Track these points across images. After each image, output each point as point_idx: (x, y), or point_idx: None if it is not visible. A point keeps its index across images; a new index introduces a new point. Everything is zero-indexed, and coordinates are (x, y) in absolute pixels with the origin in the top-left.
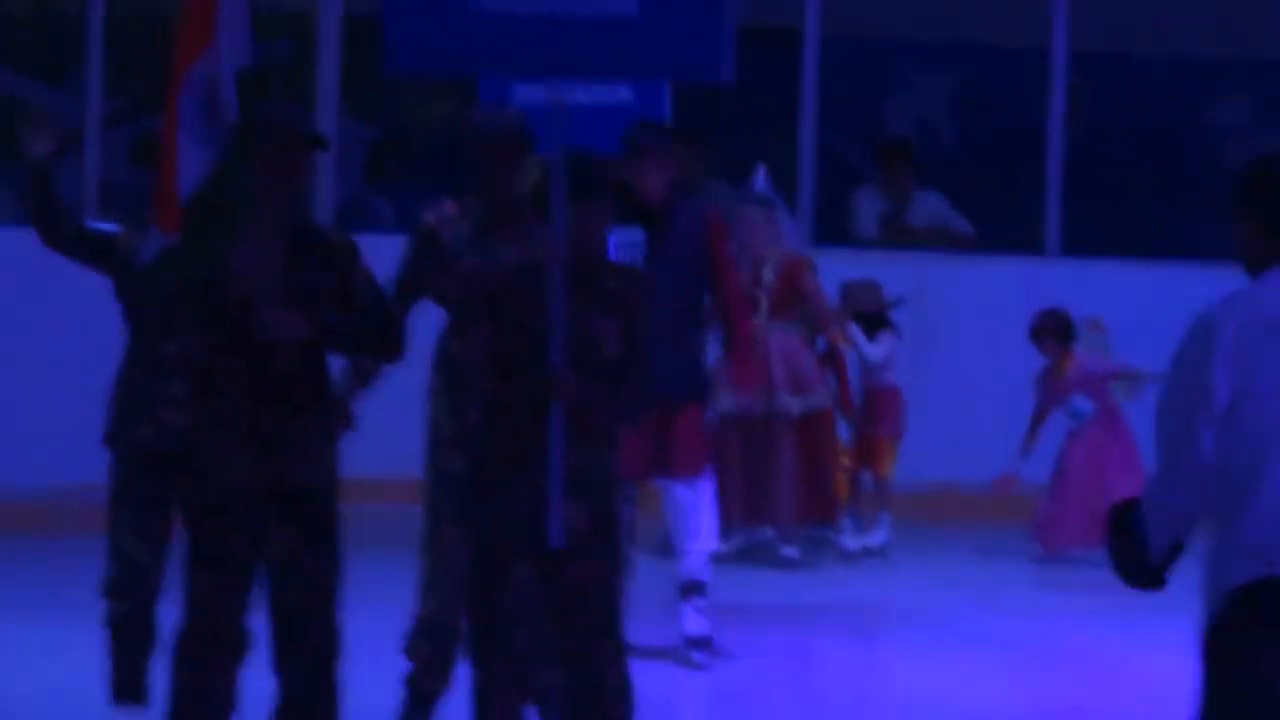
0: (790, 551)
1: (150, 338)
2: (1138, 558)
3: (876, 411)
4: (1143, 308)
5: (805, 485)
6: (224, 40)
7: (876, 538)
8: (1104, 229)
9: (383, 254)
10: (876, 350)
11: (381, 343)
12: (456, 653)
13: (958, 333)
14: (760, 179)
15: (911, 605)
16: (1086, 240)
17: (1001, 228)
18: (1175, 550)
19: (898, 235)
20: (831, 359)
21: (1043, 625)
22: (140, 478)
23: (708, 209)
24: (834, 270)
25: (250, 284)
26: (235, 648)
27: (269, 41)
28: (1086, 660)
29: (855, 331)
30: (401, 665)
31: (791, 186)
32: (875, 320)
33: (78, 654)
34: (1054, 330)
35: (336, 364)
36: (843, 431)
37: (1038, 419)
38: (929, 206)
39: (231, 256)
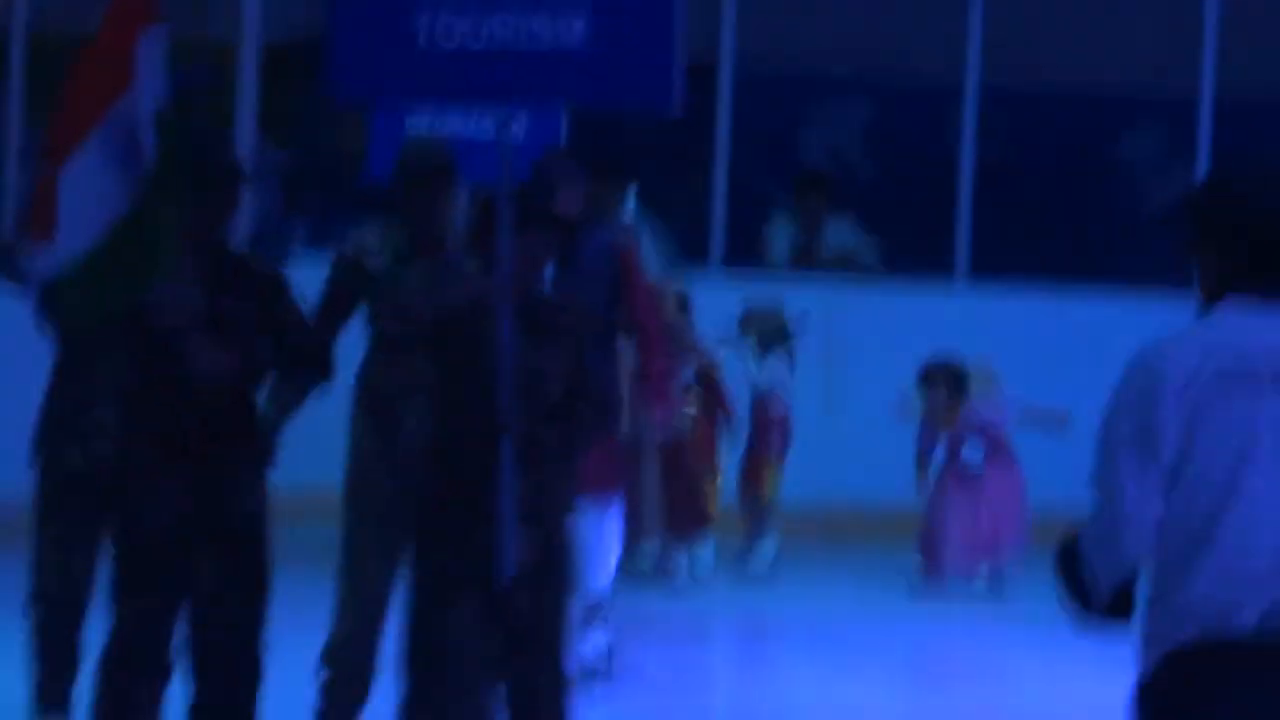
0: (677, 560)
1: (79, 362)
2: (1080, 598)
3: (761, 432)
4: (1050, 336)
5: (673, 502)
6: (143, 79)
7: (763, 555)
8: (1013, 259)
9: (299, 280)
10: (765, 374)
11: (309, 374)
12: (372, 672)
13: (866, 358)
14: (627, 207)
15: (801, 620)
16: (996, 269)
17: (913, 256)
18: (1125, 594)
19: (809, 264)
20: (704, 383)
21: (929, 637)
22: (68, 498)
23: (618, 239)
24: (746, 297)
25: (176, 315)
26: (160, 672)
27: (188, 69)
28: (972, 670)
29: (746, 355)
30: (316, 684)
31: (705, 216)
32: (774, 341)
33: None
34: (945, 380)
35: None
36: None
37: (922, 459)
38: (840, 235)
39: (156, 288)
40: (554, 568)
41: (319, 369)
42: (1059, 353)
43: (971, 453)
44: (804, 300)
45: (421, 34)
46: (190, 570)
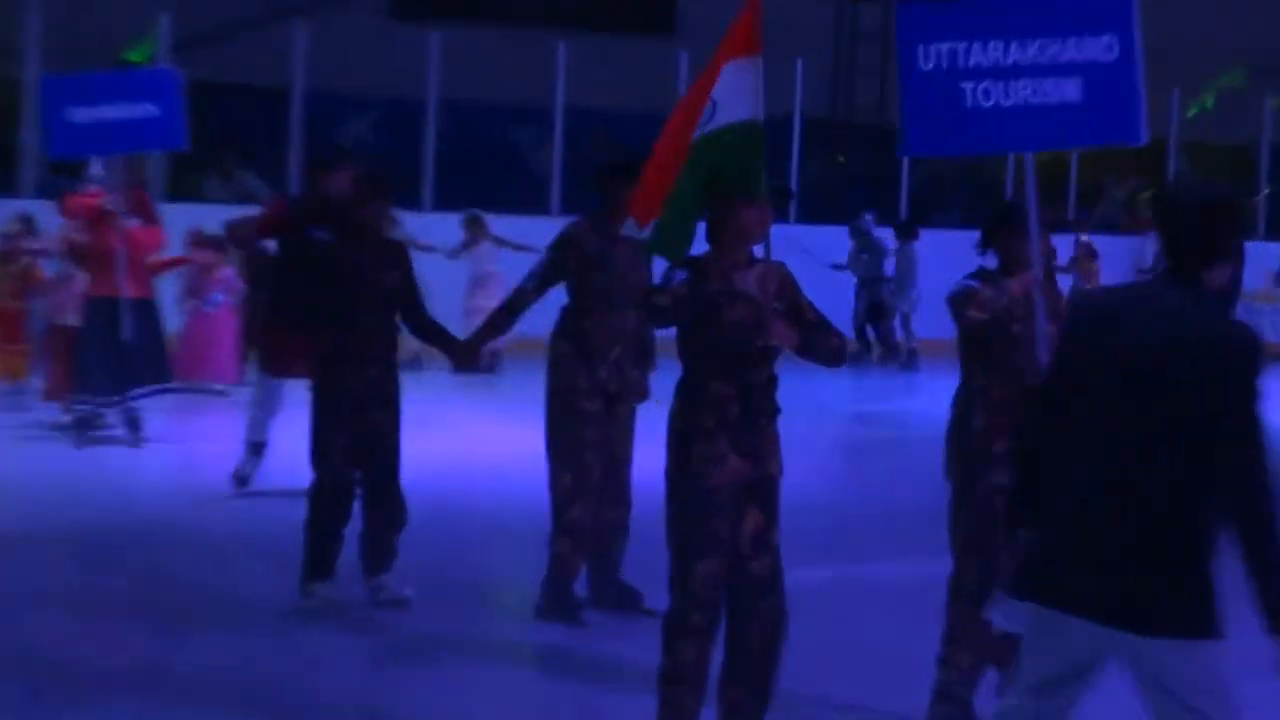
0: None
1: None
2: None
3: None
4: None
5: None
6: (720, 93)
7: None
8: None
9: None
10: None
11: (835, 352)
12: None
13: None
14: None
15: None
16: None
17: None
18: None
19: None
20: None
21: None
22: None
23: None
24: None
25: (757, 302)
26: (713, 623)
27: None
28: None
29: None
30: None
31: None
32: None
33: None
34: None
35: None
36: None
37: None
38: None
39: (736, 280)
40: None
41: (840, 349)
42: None
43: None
44: None
45: (968, 97)
46: (739, 521)
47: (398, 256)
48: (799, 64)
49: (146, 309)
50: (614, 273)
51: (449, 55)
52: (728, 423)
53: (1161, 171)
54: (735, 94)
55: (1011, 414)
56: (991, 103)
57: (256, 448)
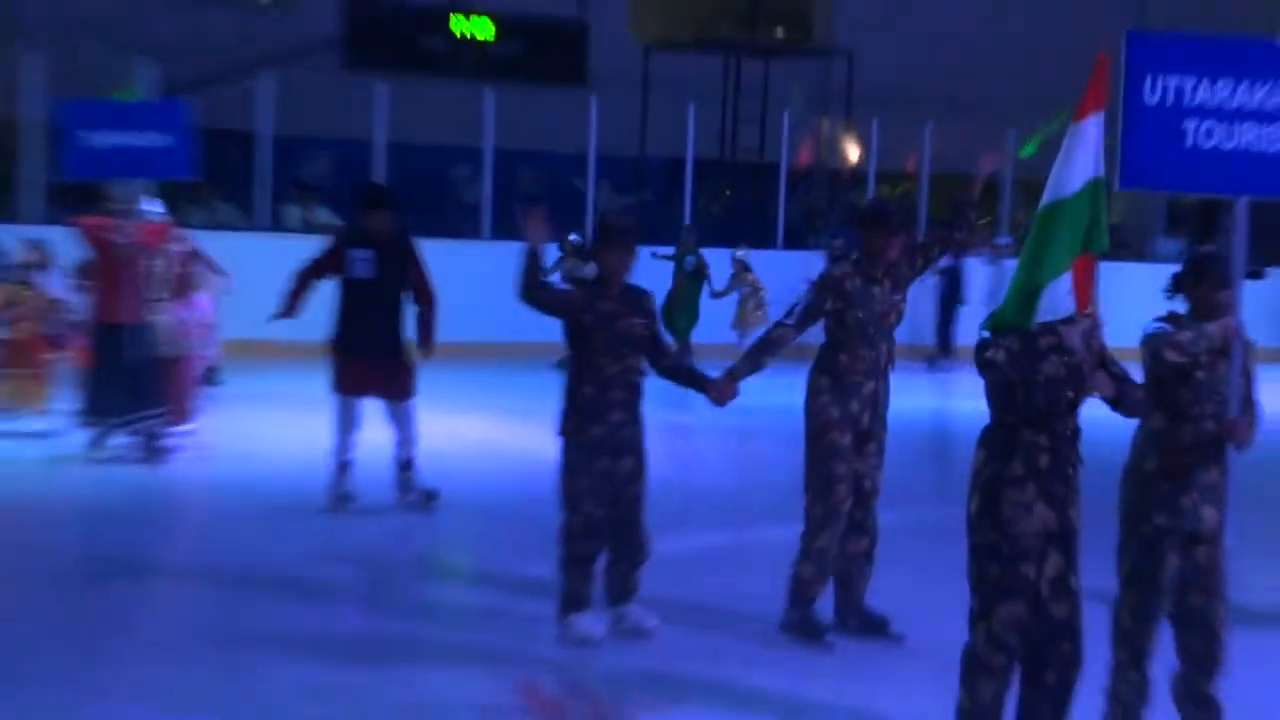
0: None
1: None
2: None
3: None
4: None
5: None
6: (1081, 149)
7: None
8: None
9: None
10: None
11: (1141, 404)
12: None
13: None
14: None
15: None
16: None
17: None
18: None
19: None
20: None
21: None
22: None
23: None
24: None
25: (1080, 358)
26: (1011, 665)
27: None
28: None
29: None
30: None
31: None
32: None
33: None
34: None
35: None
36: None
37: None
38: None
39: (1064, 335)
40: (1222, 531)
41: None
42: None
43: None
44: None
45: (1189, 135)
46: (1042, 565)
47: (643, 304)
48: (691, 110)
49: (145, 332)
50: (872, 311)
51: (395, 103)
52: (1038, 471)
53: (995, 205)
54: (1093, 149)
55: (1184, 458)
56: (1212, 144)
57: (343, 466)
